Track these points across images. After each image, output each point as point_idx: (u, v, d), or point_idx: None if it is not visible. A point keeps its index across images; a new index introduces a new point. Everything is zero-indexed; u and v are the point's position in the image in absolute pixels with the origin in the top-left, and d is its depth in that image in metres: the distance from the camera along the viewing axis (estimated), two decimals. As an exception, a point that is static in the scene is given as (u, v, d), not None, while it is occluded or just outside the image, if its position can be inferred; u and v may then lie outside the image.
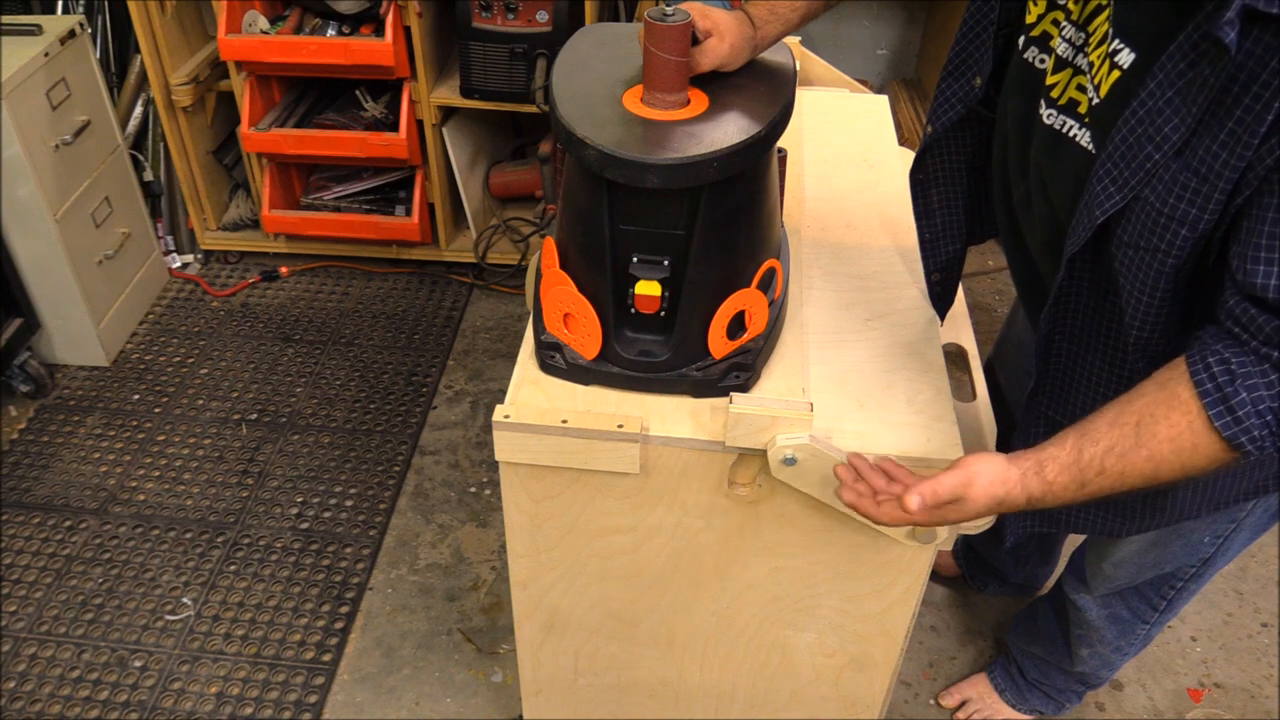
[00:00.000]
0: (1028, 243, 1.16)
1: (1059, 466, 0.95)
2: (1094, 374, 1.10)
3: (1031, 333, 1.33)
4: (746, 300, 1.13)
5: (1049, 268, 1.11)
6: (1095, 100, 0.95)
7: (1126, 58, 0.90)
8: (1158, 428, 0.90)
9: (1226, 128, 0.82)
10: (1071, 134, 1.00)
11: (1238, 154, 0.82)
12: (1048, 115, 1.02)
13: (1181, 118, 0.84)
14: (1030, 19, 1.05)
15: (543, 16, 2.35)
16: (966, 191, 1.28)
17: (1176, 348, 0.97)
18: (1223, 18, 0.78)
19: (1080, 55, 0.98)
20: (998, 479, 0.97)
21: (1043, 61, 1.04)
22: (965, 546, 1.98)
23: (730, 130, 1.07)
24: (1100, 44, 0.94)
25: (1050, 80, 1.02)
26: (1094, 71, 0.95)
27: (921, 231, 1.33)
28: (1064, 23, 1.00)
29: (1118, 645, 1.55)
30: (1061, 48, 1.00)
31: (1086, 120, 0.97)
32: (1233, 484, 1.16)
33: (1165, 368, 0.92)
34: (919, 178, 1.30)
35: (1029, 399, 1.17)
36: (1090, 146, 0.97)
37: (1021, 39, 1.07)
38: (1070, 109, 1.00)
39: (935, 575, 2.04)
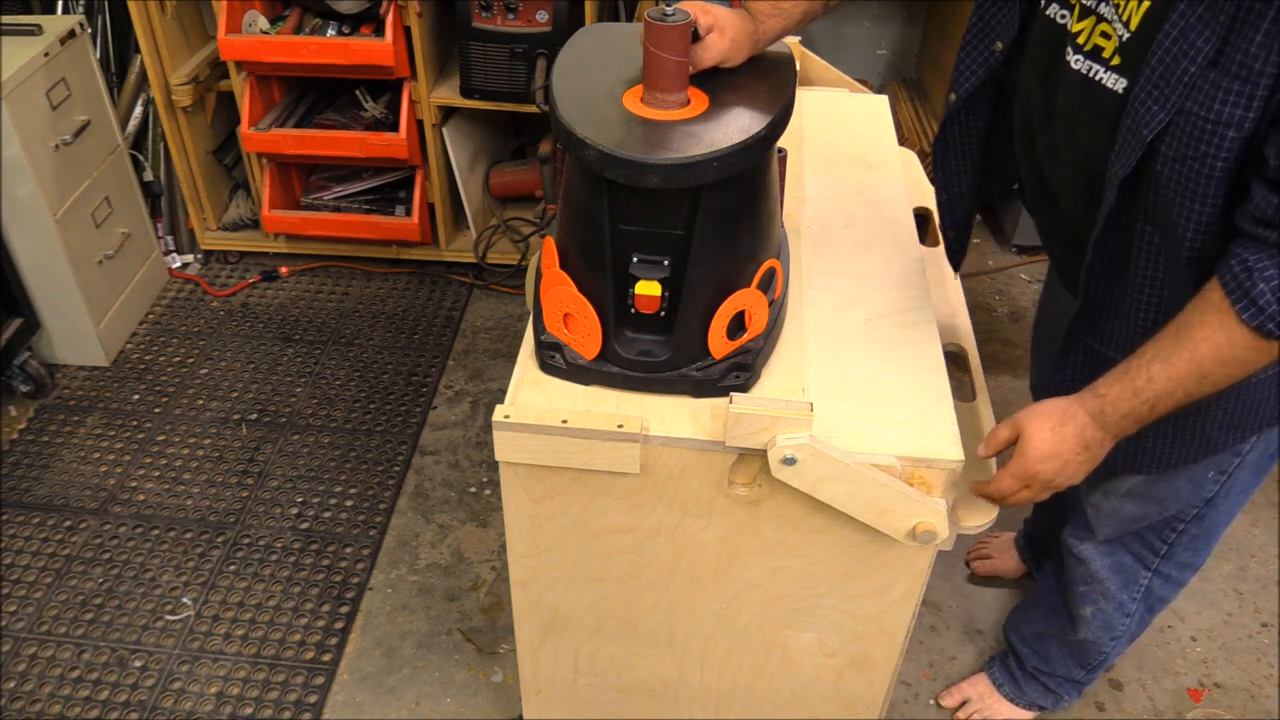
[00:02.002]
0: (1055, 191, 1.21)
1: (1109, 381, 1.05)
2: (1136, 297, 1.13)
3: (1060, 279, 1.41)
4: (746, 300, 1.13)
5: (1080, 210, 1.16)
6: (1125, 36, 1.00)
7: None
8: (1194, 331, 0.99)
9: (1262, 29, 0.88)
10: (1098, 78, 1.05)
11: (1276, 50, 0.88)
12: (1075, 61, 1.07)
13: (1212, 29, 0.91)
14: None
15: (543, 16, 2.35)
16: (980, 157, 1.35)
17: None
18: None
19: (1103, 4, 1.04)
20: (1050, 410, 1.08)
21: (1064, 18, 1.10)
22: (1029, 540, 1.99)
23: (730, 130, 1.07)
24: None
25: (1076, 28, 1.07)
26: (1121, 11, 1.01)
27: (939, 193, 1.40)
28: None
29: (1120, 601, 1.54)
30: None
31: (1115, 64, 1.03)
32: (1260, 408, 1.19)
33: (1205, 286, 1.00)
34: (941, 145, 1.36)
35: (1070, 327, 1.22)
36: (1117, 88, 1.02)
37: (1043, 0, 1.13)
38: (1095, 55, 1.05)
39: (1000, 582, 2.04)
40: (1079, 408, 1.08)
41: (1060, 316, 1.46)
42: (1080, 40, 1.07)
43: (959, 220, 1.42)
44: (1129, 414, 1.05)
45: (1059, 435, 1.08)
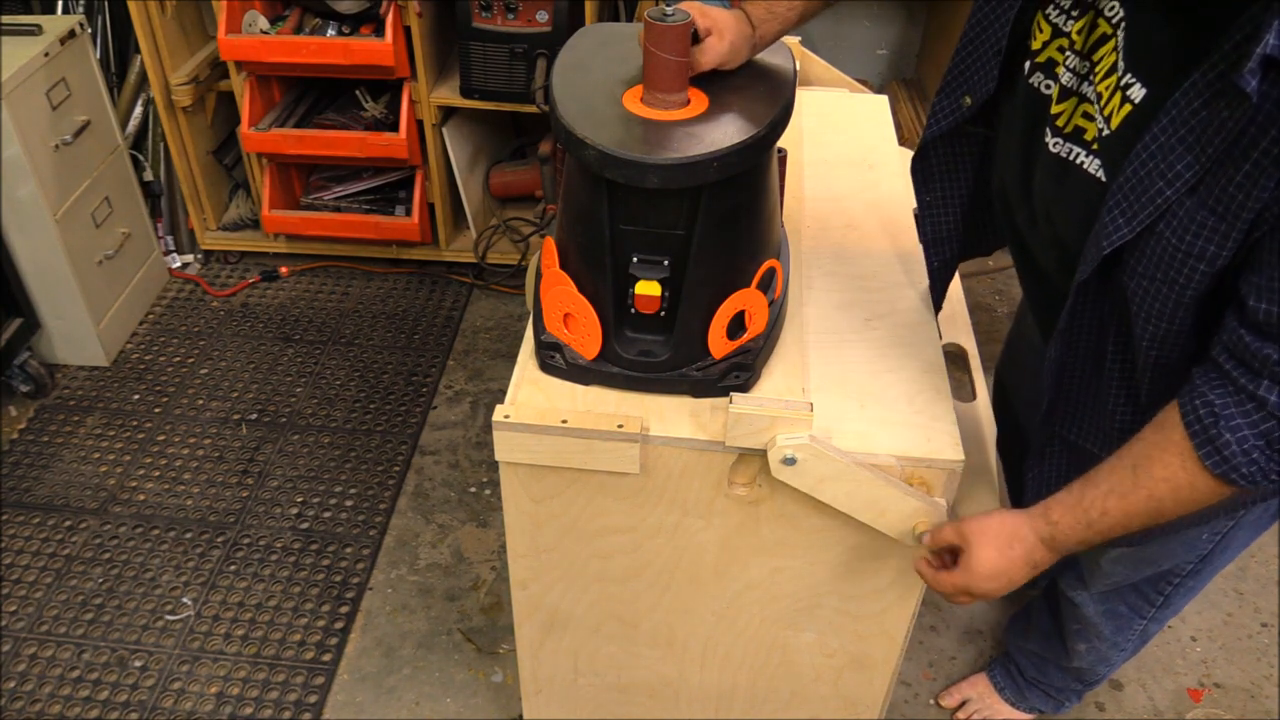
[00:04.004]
0: (1039, 261, 1.16)
1: (1063, 509, 1.01)
2: (1105, 394, 1.09)
3: (1041, 337, 1.34)
4: (746, 300, 1.13)
5: (1059, 280, 1.12)
6: (1106, 131, 0.95)
7: (1138, 92, 0.91)
8: (1154, 469, 0.94)
9: (1243, 169, 0.83)
10: (1079, 162, 1.00)
11: (1255, 195, 0.83)
12: (1054, 144, 1.02)
13: (1195, 155, 0.85)
14: (1036, 45, 1.05)
15: (543, 16, 2.35)
16: (968, 200, 1.29)
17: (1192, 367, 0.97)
18: (1244, 67, 0.78)
19: (1085, 84, 0.99)
20: (999, 529, 1.04)
21: (1048, 88, 1.04)
22: None
23: (730, 130, 1.07)
24: (1109, 74, 0.94)
25: (1055, 109, 1.02)
26: (1104, 103, 0.95)
27: (930, 260, 1.34)
28: (1068, 51, 1.01)
29: (1115, 642, 1.55)
30: (1066, 76, 1.01)
31: (1095, 148, 0.98)
32: None
33: (1163, 411, 0.95)
34: (926, 199, 1.30)
35: (1043, 420, 1.17)
36: (1101, 175, 0.97)
37: (1028, 64, 1.07)
38: (1076, 137, 1.00)
39: None
40: (1029, 530, 1.03)
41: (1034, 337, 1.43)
42: (1060, 123, 1.01)
43: (946, 266, 1.35)
44: (1081, 541, 1.01)
45: (1007, 557, 1.04)
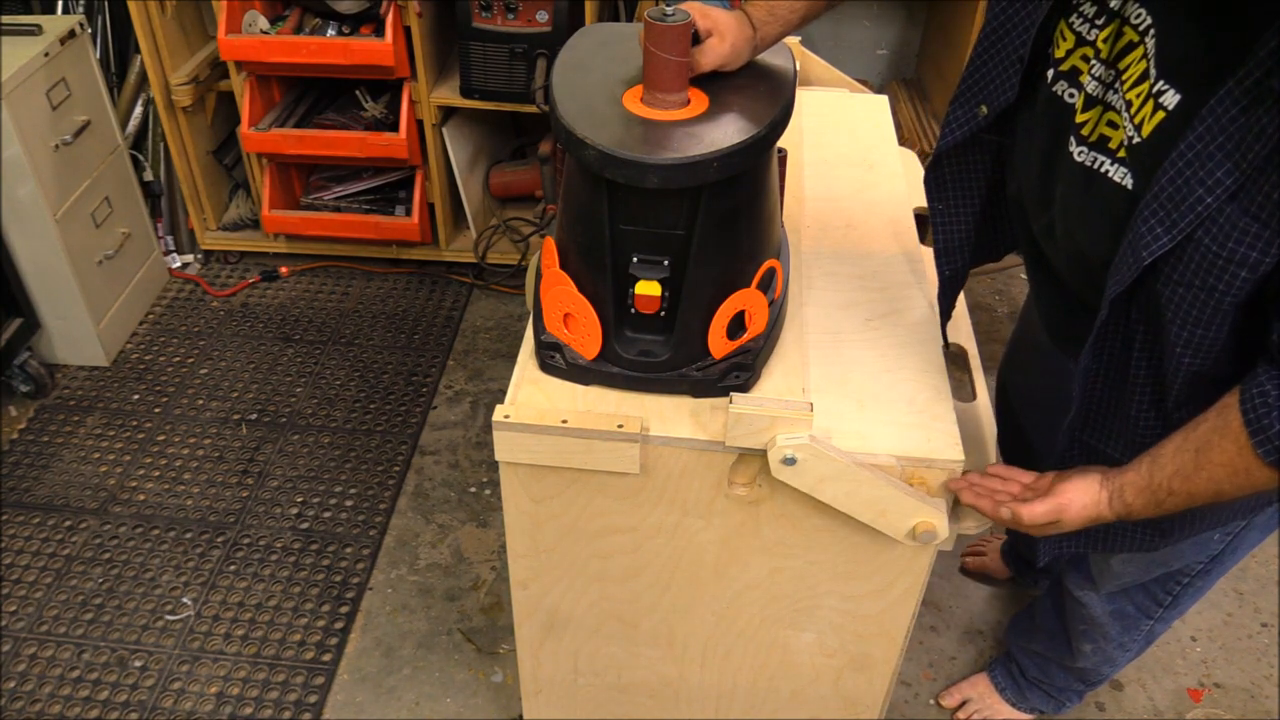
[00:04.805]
0: (1056, 268, 1.16)
1: (1135, 490, 1.04)
2: (1129, 400, 1.09)
3: (1051, 340, 1.34)
4: (746, 300, 1.13)
5: (1077, 288, 1.12)
6: (1135, 139, 0.95)
7: (1172, 99, 0.90)
8: (1213, 454, 0.96)
9: None
10: (1105, 170, 0.99)
11: None
12: (1079, 153, 1.02)
13: (1234, 162, 0.84)
14: (1059, 54, 1.05)
15: (543, 16, 2.35)
16: (978, 213, 1.29)
17: (1232, 372, 0.98)
18: None
19: (1112, 92, 0.98)
20: (1090, 503, 1.07)
21: (1072, 96, 1.04)
22: (1013, 549, 1.99)
23: (730, 130, 1.07)
24: (1139, 82, 0.94)
25: (1080, 118, 1.02)
26: (1134, 111, 0.94)
27: (941, 269, 1.33)
28: (1093, 60, 1.00)
29: (1121, 642, 1.54)
30: (1091, 85, 1.00)
31: (1121, 156, 0.97)
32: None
33: (1228, 394, 0.96)
34: (938, 207, 1.29)
35: (1067, 427, 1.17)
36: (1127, 183, 0.97)
37: (1051, 73, 1.06)
38: (1101, 145, 1.00)
39: (987, 579, 2.05)
40: (1109, 511, 1.07)
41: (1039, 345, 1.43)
42: (1084, 131, 1.01)
43: (957, 275, 1.33)
44: (1149, 516, 1.06)
45: (1083, 525, 1.09)
